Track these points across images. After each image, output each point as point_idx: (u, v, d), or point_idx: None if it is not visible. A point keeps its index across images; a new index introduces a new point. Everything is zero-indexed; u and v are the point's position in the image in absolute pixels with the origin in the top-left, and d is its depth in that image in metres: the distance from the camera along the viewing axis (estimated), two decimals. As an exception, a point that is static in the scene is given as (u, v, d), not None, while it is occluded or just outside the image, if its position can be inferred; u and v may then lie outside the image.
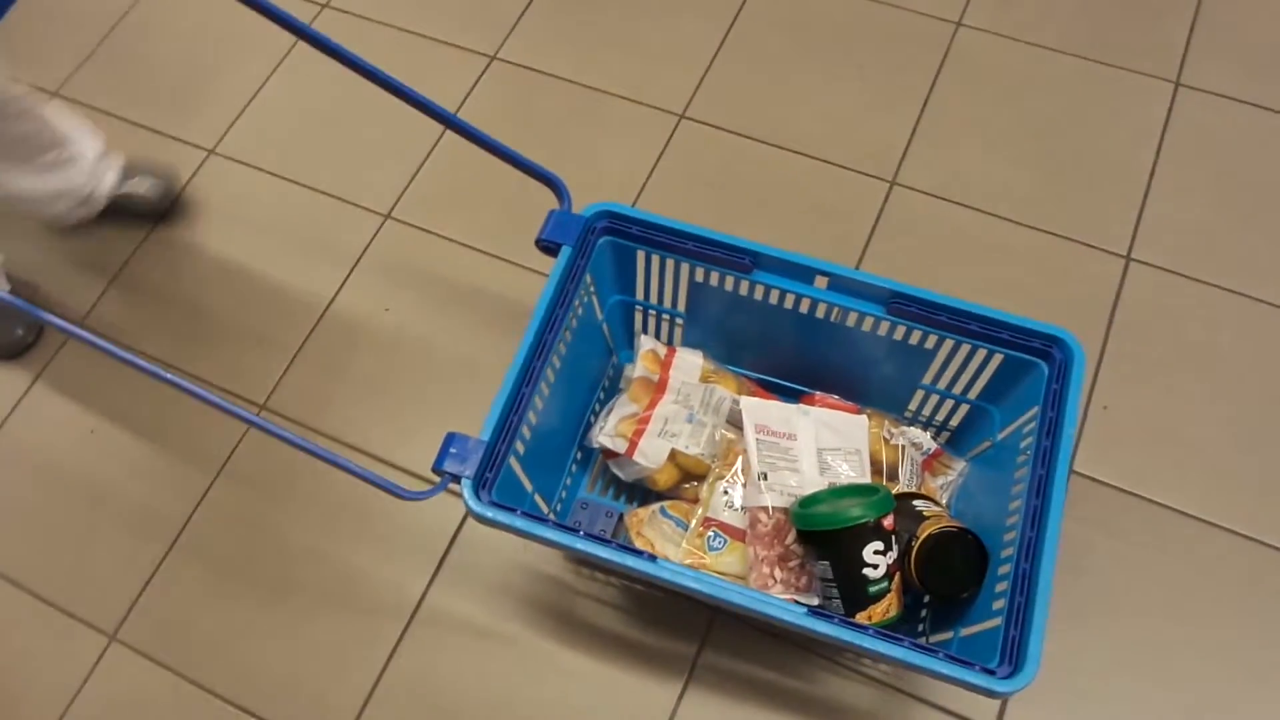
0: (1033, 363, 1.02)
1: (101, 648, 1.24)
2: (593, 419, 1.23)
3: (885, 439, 1.13)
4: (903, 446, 1.14)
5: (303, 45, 0.98)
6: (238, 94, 1.66)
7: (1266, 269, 1.40)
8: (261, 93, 1.66)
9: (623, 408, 1.17)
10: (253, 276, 1.49)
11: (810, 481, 1.04)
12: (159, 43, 1.74)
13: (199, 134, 1.63)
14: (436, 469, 0.91)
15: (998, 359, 1.05)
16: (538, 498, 1.09)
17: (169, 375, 0.90)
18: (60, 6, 1.77)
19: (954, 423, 1.19)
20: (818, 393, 1.18)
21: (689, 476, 1.15)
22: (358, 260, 1.48)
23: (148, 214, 1.52)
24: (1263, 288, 1.38)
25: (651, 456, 1.11)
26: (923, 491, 1.13)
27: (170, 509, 1.31)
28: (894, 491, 1.06)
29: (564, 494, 1.21)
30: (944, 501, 1.15)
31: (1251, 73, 1.56)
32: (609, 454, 1.17)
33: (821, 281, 1.06)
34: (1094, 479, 1.26)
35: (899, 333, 1.07)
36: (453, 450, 0.92)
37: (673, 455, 1.12)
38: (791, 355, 1.19)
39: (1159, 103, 1.55)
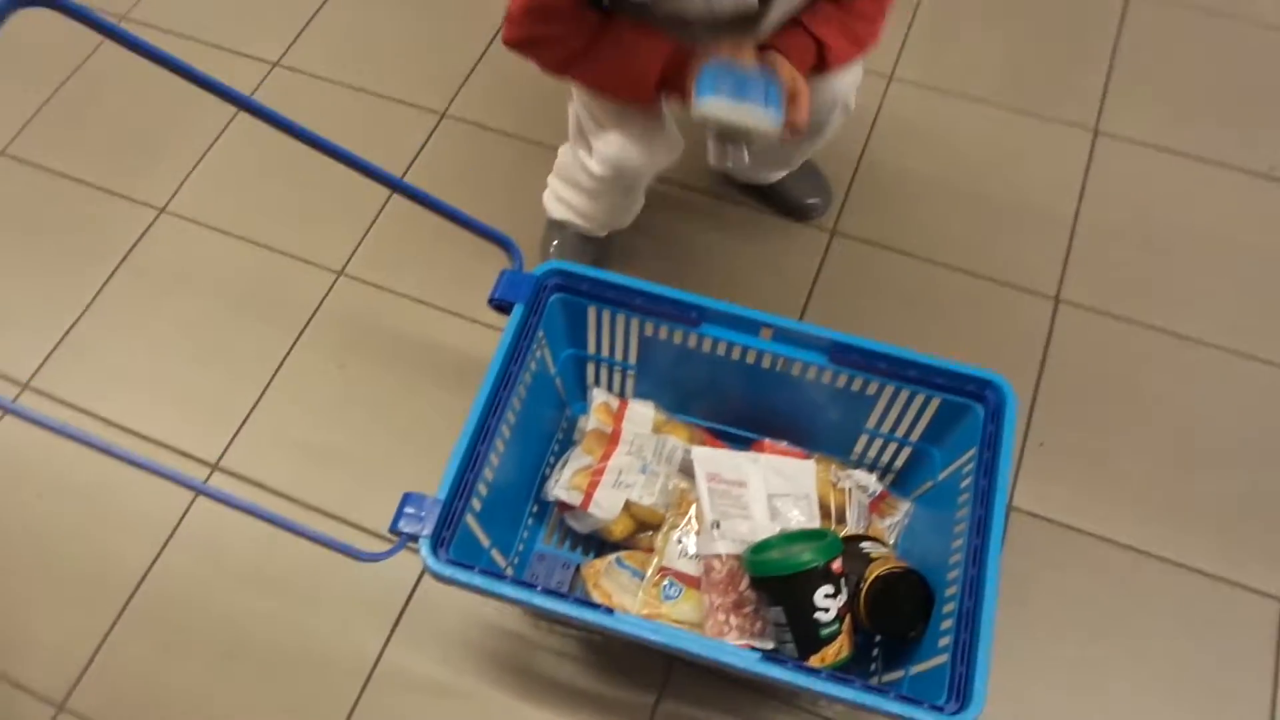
0: (968, 405, 1.07)
1: (50, 717, 1.21)
2: (548, 471, 1.25)
3: (833, 483, 1.17)
4: (849, 489, 1.17)
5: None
6: (189, 152, 1.67)
7: (1187, 306, 1.47)
8: (213, 150, 1.68)
9: (577, 460, 1.19)
10: (204, 335, 1.49)
11: (762, 527, 1.07)
12: (109, 101, 1.75)
13: (149, 193, 1.63)
14: (394, 530, 0.93)
15: (935, 403, 1.10)
16: (495, 553, 1.11)
17: (112, 448, 0.90)
18: (7, 66, 1.77)
19: (898, 464, 1.23)
20: (767, 439, 1.22)
21: (644, 526, 1.17)
22: (310, 318, 1.49)
23: None
24: (1184, 324, 1.46)
25: (606, 508, 1.14)
26: (870, 533, 1.16)
27: (119, 574, 1.30)
28: (842, 535, 1.10)
29: (521, 547, 1.22)
30: (891, 542, 1.19)
31: (1167, 119, 1.65)
32: (564, 507, 1.19)
33: (766, 333, 1.10)
34: (1033, 514, 1.31)
35: (841, 380, 1.11)
36: (409, 510, 0.93)
37: (627, 506, 1.14)
38: (740, 404, 1.22)
39: (1080, 149, 1.63)
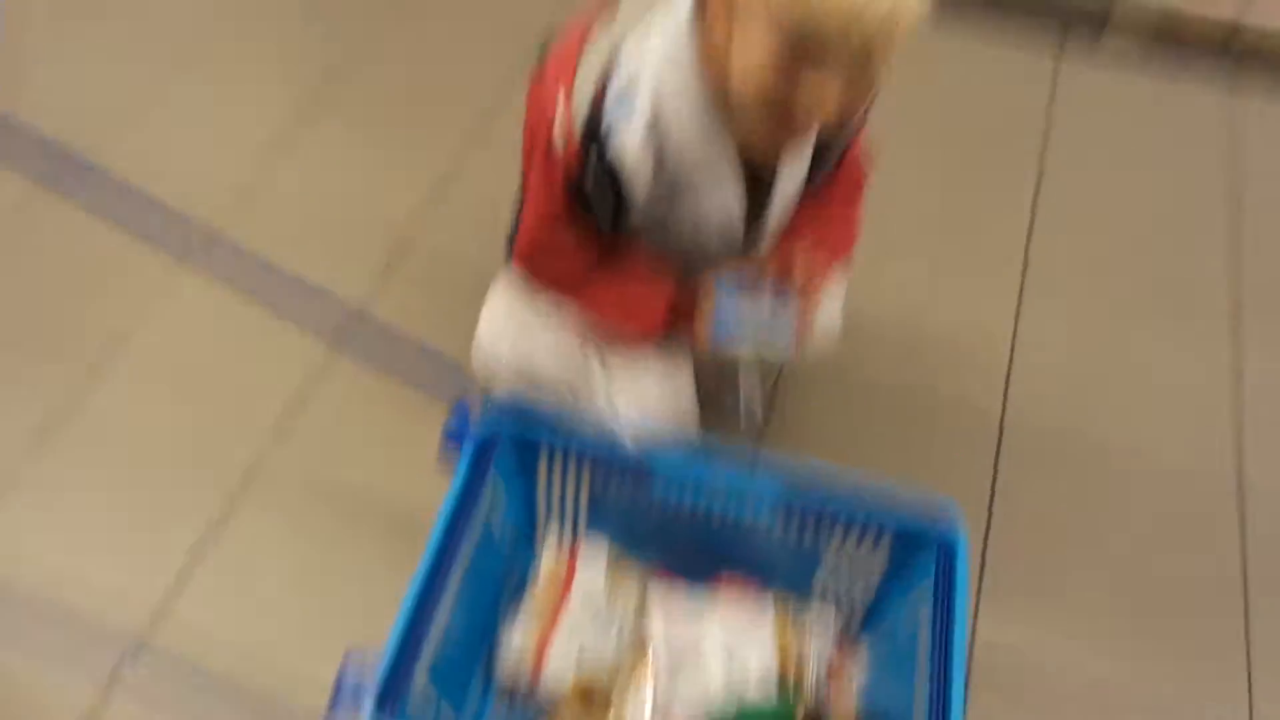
0: (923, 539, 1.07)
1: None
2: (500, 621, 1.21)
3: (791, 624, 1.15)
4: (809, 629, 1.16)
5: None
6: (127, 306, 1.65)
7: (1126, 434, 1.52)
8: (150, 306, 1.66)
9: (527, 620, 1.16)
10: (128, 502, 1.44)
11: (718, 679, 1.05)
12: (42, 258, 1.73)
13: (82, 352, 1.60)
14: (334, 707, 0.88)
15: (889, 539, 1.10)
16: (445, 709, 1.06)
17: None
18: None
19: (858, 599, 1.22)
20: (723, 580, 1.20)
21: (598, 686, 1.13)
22: (247, 481, 1.44)
23: None
24: (1123, 450, 1.50)
25: (558, 675, 1.11)
26: (832, 672, 1.14)
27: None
28: (803, 691, 1.08)
29: (475, 705, 1.17)
30: (853, 682, 1.16)
31: (1093, 256, 1.75)
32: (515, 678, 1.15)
33: (719, 475, 1.10)
34: (993, 643, 1.30)
35: (794, 520, 1.11)
36: (350, 678, 0.89)
37: (580, 665, 1.11)
38: (695, 547, 1.21)
39: (1012, 279, 1.71)
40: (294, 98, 2.01)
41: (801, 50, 0.81)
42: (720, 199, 1.04)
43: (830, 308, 1.25)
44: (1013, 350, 1.62)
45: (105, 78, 2.02)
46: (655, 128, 0.94)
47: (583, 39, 0.98)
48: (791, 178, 1.08)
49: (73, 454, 1.48)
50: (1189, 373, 1.61)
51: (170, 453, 1.48)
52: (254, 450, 1.48)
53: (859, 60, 0.80)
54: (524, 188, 1.09)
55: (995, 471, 1.47)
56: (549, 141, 0.98)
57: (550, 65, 1.00)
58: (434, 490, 1.03)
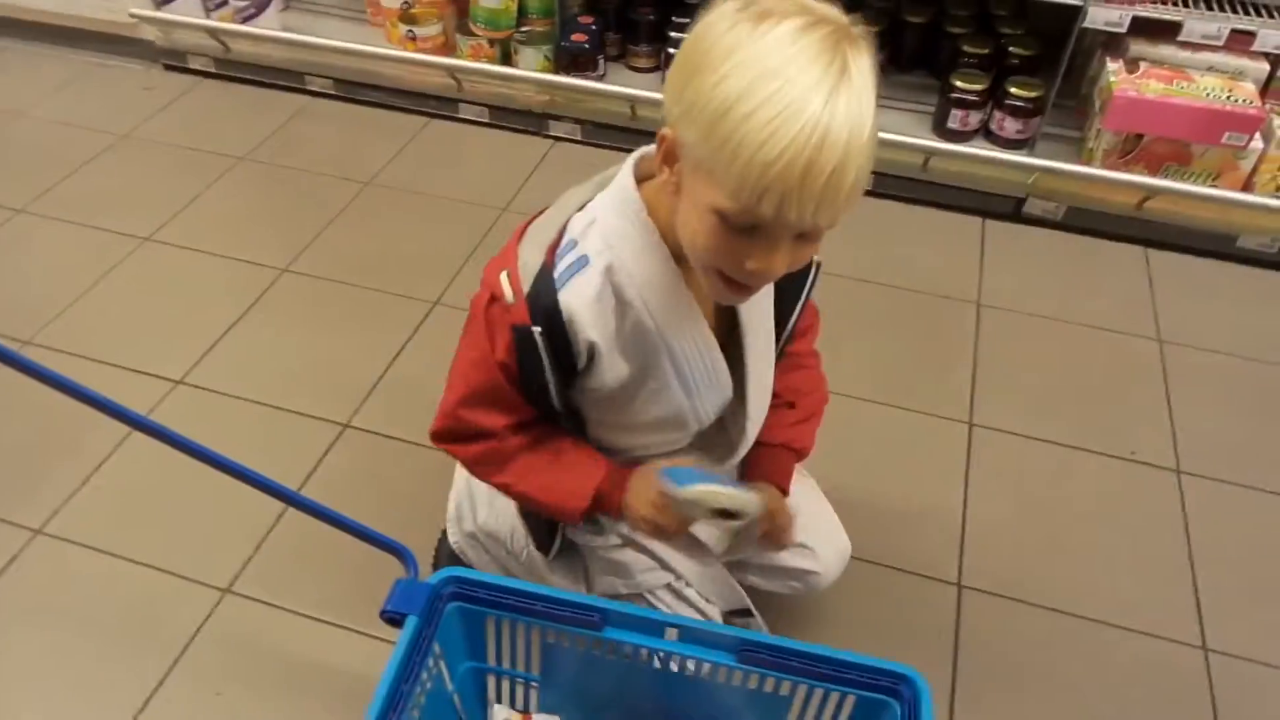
0: (885, 701, 1.04)
1: None
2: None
3: (753, 798, 1.08)
4: (772, 804, 1.09)
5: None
6: (77, 471, 1.63)
7: (1080, 586, 1.51)
8: (101, 470, 1.63)
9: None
10: (72, 666, 1.36)
11: None
12: (2, 428, 1.72)
13: (27, 516, 1.56)
14: None
15: (851, 699, 1.06)
16: None
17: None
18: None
19: (822, 771, 1.16)
20: (681, 751, 1.14)
21: None
22: (190, 641, 1.39)
23: None
24: (1079, 604, 1.48)
25: None
26: None
27: None
28: None
29: None
30: None
31: (1032, 411, 1.79)
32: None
33: (672, 633, 1.07)
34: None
35: (753, 680, 1.07)
36: None
37: None
38: (653, 710, 1.15)
39: (959, 441, 1.73)
40: (254, 275, 2.06)
41: (743, 226, 0.80)
42: (693, 343, 0.99)
43: (831, 529, 1.29)
44: (965, 506, 1.62)
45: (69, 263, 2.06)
46: (611, 276, 0.93)
47: (520, 234, 0.98)
48: (757, 320, 1.06)
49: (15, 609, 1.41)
50: (1139, 522, 1.62)
51: (115, 615, 1.42)
52: (199, 611, 1.42)
53: (802, 227, 0.80)
54: (452, 366, 1.05)
55: (957, 632, 1.45)
56: (490, 300, 0.96)
57: (488, 268, 0.98)
58: (386, 661, 0.98)
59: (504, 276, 0.94)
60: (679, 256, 0.93)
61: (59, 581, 1.47)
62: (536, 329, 0.93)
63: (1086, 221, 2.23)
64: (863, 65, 0.76)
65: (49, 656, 1.38)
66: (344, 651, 1.38)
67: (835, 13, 0.78)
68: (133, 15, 2.65)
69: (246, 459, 1.03)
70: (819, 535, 1.27)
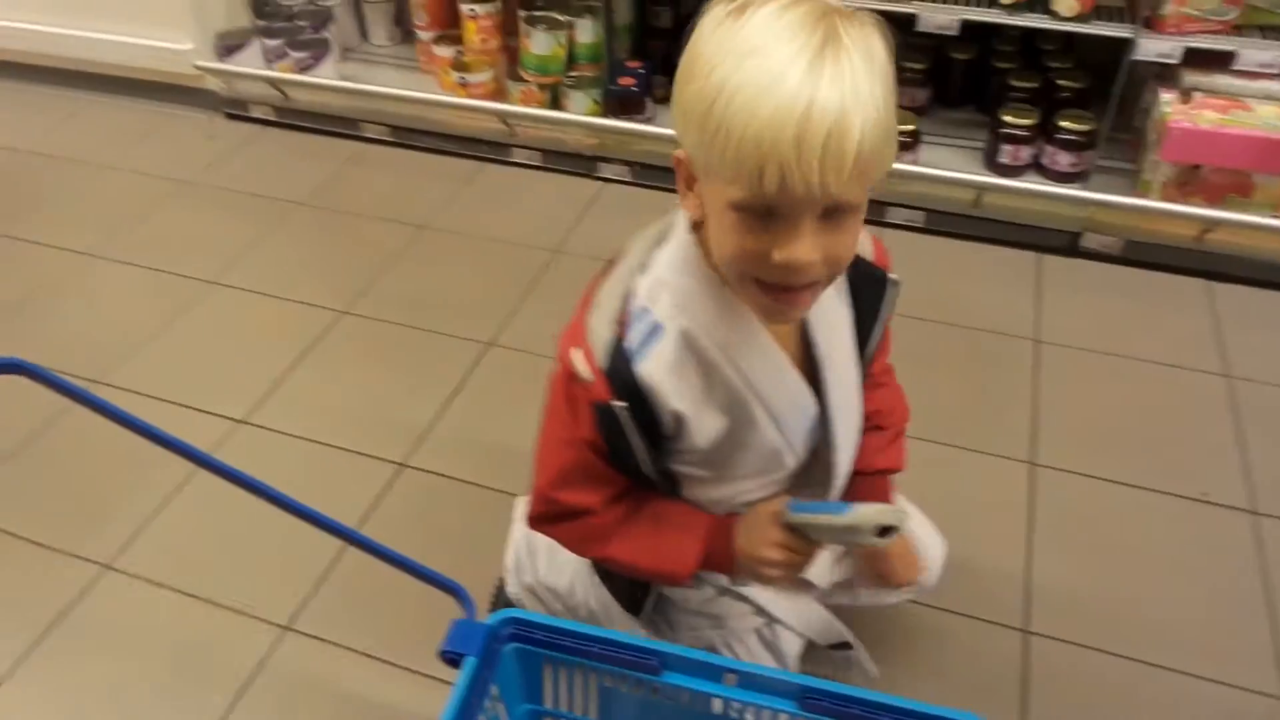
0: (951, 752, 1.01)
1: None
2: None
3: None
4: None
5: (214, 468, 1.03)
6: (144, 508, 1.66)
7: (1151, 633, 1.46)
8: (169, 506, 1.67)
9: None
10: (134, 701, 1.38)
11: None
12: (70, 462, 1.76)
13: (97, 550, 1.59)
14: None
15: (915, 750, 1.03)
16: None
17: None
18: (-31, 433, 1.80)
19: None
20: (740, 799, 1.12)
21: None
22: (251, 678, 1.41)
23: None
24: (1152, 652, 1.43)
25: None
26: None
27: None
28: None
29: None
30: None
31: (1097, 450, 1.75)
32: None
33: (731, 679, 1.06)
34: None
35: (815, 729, 1.05)
36: None
37: None
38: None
39: (1020, 481, 1.70)
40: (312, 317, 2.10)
41: (759, 212, 0.77)
42: (781, 386, 0.97)
43: (927, 530, 1.27)
44: (1029, 549, 1.59)
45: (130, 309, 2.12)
46: (689, 341, 0.91)
47: (586, 304, 0.96)
48: (837, 349, 1.02)
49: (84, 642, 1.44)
50: (1212, 565, 1.56)
51: (179, 650, 1.44)
52: (259, 648, 1.44)
53: (813, 198, 0.75)
54: (539, 446, 1.03)
55: (1024, 680, 1.41)
56: (570, 378, 0.93)
57: (562, 342, 0.96)
58: (443, 701, 0.98)
59: (578, 355, 0.92)
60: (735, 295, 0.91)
61: (126, 616, 1.50)
62: (619, 404, 0.90)
63: (1146, 255, 2.19)
64: (855, 33, 0.74)
65: (115, 689, 1.40)
66: (400, 691, 1.38)
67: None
68: (198, 68, 2.75)
69: (305, 498, 1.05)
70: (921, 539, 1.24)
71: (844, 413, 1.04)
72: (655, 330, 0.91)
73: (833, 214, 0.78)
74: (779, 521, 1.00)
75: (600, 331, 0.92)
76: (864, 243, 1.00)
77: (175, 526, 1.64)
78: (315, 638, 1.46)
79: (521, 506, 1.23)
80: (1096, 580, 1.54)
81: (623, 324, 0.92)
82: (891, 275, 1.04)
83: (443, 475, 1.72)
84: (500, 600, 1.41)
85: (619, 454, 0.96)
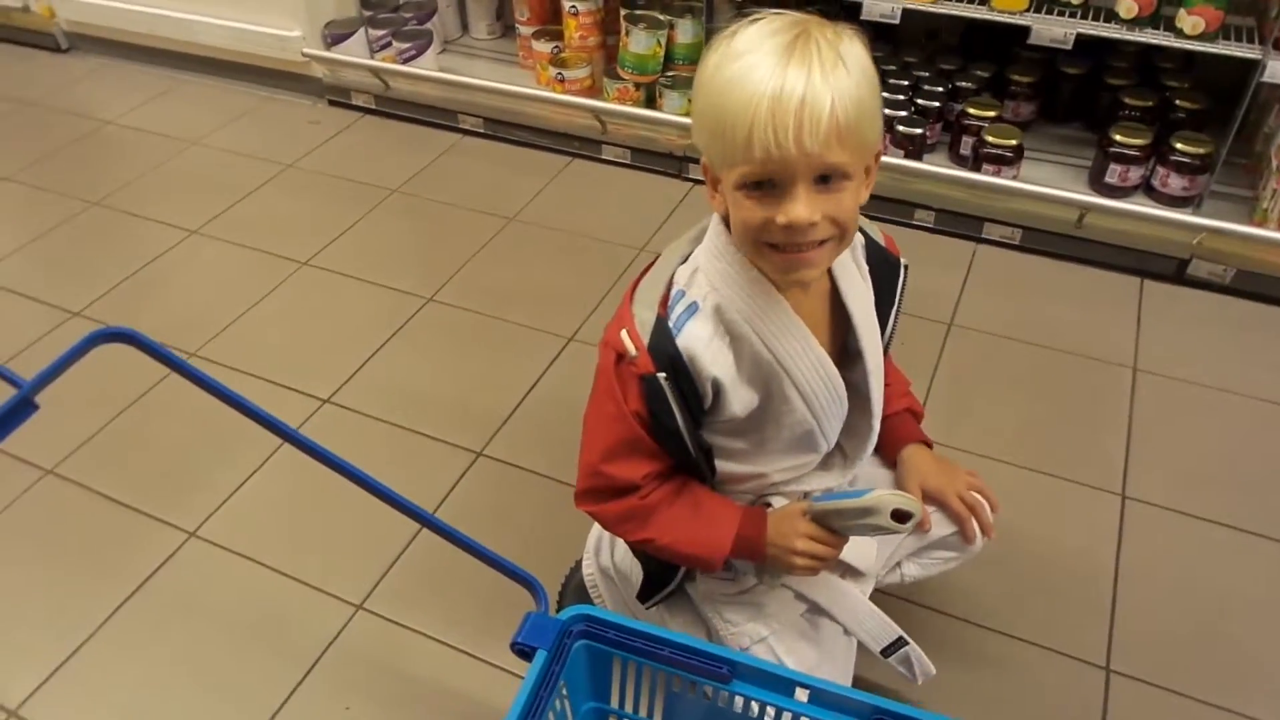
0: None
1: None
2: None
3: None
4: None
5: (301, 444, 1.05)
6: (230, 479, 1.72)
7: (1242, 681, 1.38)
8: (253, 479, 1.72)
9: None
10: (211, 666, 1.42)
11: None
12: (163, 430, 1.83)
13: (183, 518, 1.65)
14: None
15: (990, 784, 1.00)
16: None
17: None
18: (75, 391, 1.87)
19: None
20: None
21: None
22: (323, 653, 1.43)
23: None
24: (1242, 702, 1.36)
25: None
26: None
27: None
28: None
29: None
30: None
31: (1191, 486, 1.67)
32: None
33: (802, 694, 1.04)
34: None
35: (884, 752, 1.02)
36: None
37: None
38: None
39: (1110, 513, 1.63)
40: (396, 304, 2.14)
41: (760, 184, 0.88)
42: (809, 363, 1.01)
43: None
44: (1116, 584, 1.52)
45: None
46: (722, 315, 0.98)
47: (630, 295, 1.04)
48: (867, 330, 1.07)
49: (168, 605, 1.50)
50: (1314, 620, 1.48)
51: (255, 621, 1.48)
52: (333, 624, 1.47)
53: (788, 158, 0.85)
54: (586, 428, 1.09)
55: (1105, 710, 1.35)
56: (617, 360, 1.01)
57: (608, 331, 1.03)
58: (507, 690, 0.99)
59: (624, 334, 1.00)
60: (779, 285, 0.98)
61: (206, 584, 1.55)
62: (662, 374, 0.98)
63: (1258, 286, 2.09)
64: (829, 34, 0.86)
65: (194, 653, 1.45)
66: (466, 677, 1.40)
67: (809, 16, 0.89)
68: (305, 55, 2.83)
69: (385, 479, 1.06)
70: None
71: (877, 378, 1.09)
72: (692, 307, 0.99)
73: (827, 180, 0.88)
74: (806, 515, 1.06)
75: (644, 315, 1.00)
76: (871, 226, 1.11)
77: (258, 500, 1.69)
78: (386, 619, 1.48)
79: None
80: (1184, 621, 1.47)
81: (664, 306, 1.01)
82: (904, 261, 1.13)
83: (518, 466, 1.73)
84: (571, 582, 1.43)
85: (662, 426, 1.01)
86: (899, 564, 1.26)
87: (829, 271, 1.03)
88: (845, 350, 1.08)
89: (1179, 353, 1.96)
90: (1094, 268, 2.20)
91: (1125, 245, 2.16)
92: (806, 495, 1.14)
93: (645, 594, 1.24)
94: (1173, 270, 2.14)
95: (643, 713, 1.14)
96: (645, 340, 0.99)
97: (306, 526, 1.63)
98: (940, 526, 1.22)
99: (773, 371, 1.01)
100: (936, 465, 1.22)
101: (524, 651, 1.04)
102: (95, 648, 1.46)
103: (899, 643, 1.19)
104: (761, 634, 1.17)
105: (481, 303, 2.12)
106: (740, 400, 1.01)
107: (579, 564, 1.38)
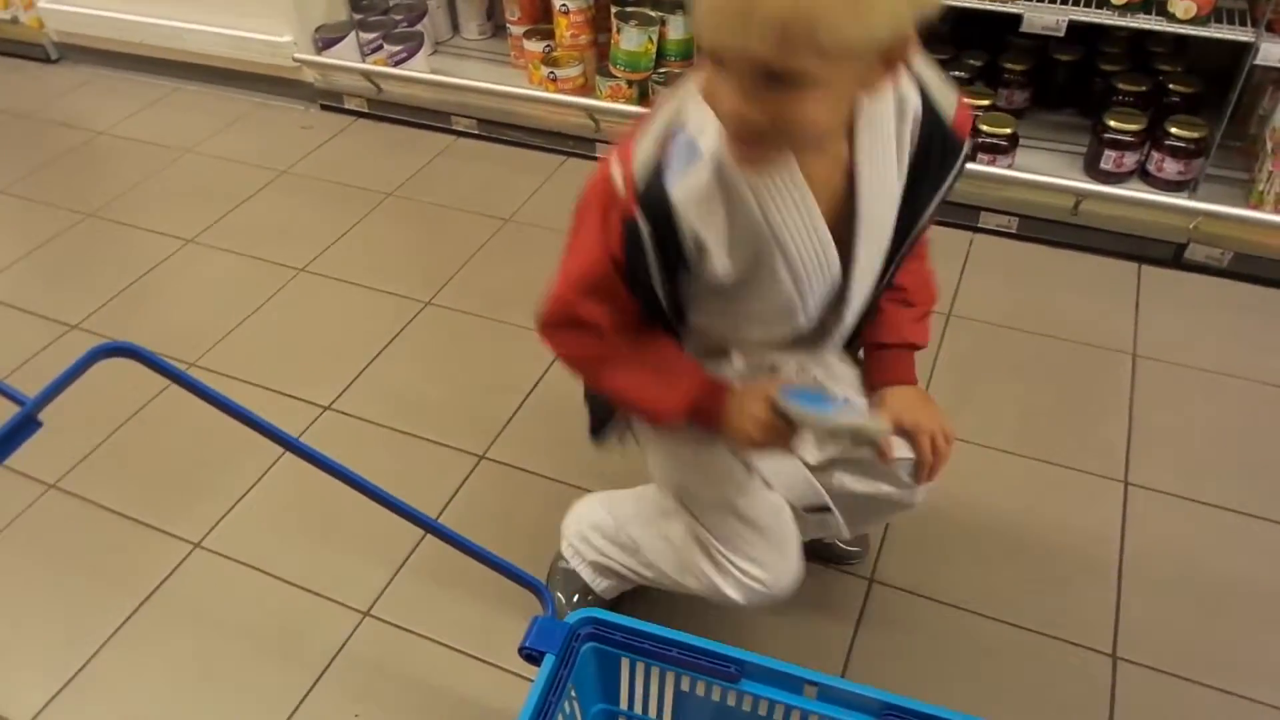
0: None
1: None
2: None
3: None
4: None
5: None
6: (233, 489, 1.72)
7: (1249, 668, 1.39)
8: (256, 488, 1.72)
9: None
10: (221, 676, 1.43)
11: None
12: (163, 442, 1.83)
13: (188, 529, 1.65)
14: None
15: (1000, 776, 1.00)
16: None
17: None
18: (75, 405, 1.87)
19: None
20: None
21: None
22: (331, 660, 1.44)
23: None
24: (1251, 687, 1.36)
25: None
26: None
27: None
28: None
29: None
30: None
31: (1194, 472, 1.67)
32: None
33: (811, 691, 1.04)
34: None
35: (894, 748, 1.03)
36: None
37: None
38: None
39: (1114, 500, 1.63)
40: (400, 305, 2.14)
41: (715, 62, 0.79)
42: (805, 233, 0.94)
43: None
44: (1121, 572, 1.52)
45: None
46: (722, 170, 0.90)
47: (639, 126, 0.95)
48: (878, 210, 0.98)
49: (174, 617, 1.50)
50: (1319, 602, 1.48)
51: (263, 630, 1.48)
52: (341, 631, 1.47)
53: (755, 61, 0.75)
54: (565, 253, 1.04)
55: (1112, 708, 1.35)
56: (606, 190, 0.94)
57: (610, 154, 0.96)
58: (517, 693, 0.99)
59: (617, 165, 0.93)
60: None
61: (214, 594, 1.55)
62: (644, 226, 0.91)
63: (1256, 269, 2.09)
64: None
65: (203, 664, 1.45)
66: (475, 682, 1.40)
67: None
68: (296, 60, 2.83)
69: (388, 485, 1.06)
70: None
71: (865, 275, 1.02)
72: (694, 152, 0.90)
73: (779, 81, 0.76)
74: (770, 403, 0.99)
75: (645, 148, 0.92)
76: (948, 98, 0.96)
77: (263, 508, 1.69)
78: (394, 625, 1.49)
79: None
80: (1192, 608, 1.47)
81: (667, 142, 0.91)
82: (967, 145, 0.99)
83: (522, 469, 1.73)
84: (556, 564, 1.47)
85: (637, 278, 0.95)
86: (838, 468, 1.21)
87: (848, 136, 0.92)
88: (850, 225, 0.97)
89: (1178, 337, 1.96)
90: (1091, 254, 2.20)
91: (1122, 231, 2.16)
92: (773, 369, 1.12)
93: (595, 430, 1.23)
94: (1170, 255, 2.14)
95: (652, 714, 1.14)
96: (638, 177, 0.91)
97: (312, 533, 1.64)
98: (899, 450, 1.15)
99: (764, 242, 0.94)
100: (918, 401, 1.15)
101: (532, 656, 1.04)
102: (104, 660, 1.46)
103: (823, 509, 1.21)
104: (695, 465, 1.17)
105: (480, 305, 2.12)
106: (723, 263, 0.95)
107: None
